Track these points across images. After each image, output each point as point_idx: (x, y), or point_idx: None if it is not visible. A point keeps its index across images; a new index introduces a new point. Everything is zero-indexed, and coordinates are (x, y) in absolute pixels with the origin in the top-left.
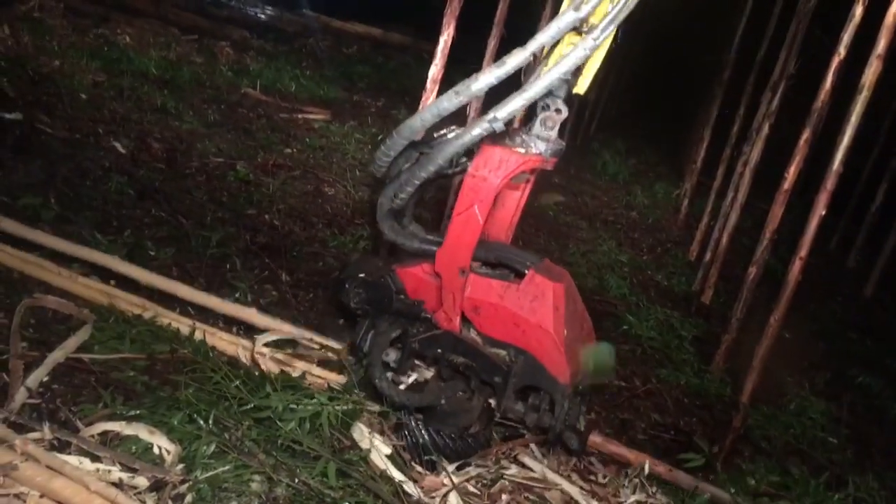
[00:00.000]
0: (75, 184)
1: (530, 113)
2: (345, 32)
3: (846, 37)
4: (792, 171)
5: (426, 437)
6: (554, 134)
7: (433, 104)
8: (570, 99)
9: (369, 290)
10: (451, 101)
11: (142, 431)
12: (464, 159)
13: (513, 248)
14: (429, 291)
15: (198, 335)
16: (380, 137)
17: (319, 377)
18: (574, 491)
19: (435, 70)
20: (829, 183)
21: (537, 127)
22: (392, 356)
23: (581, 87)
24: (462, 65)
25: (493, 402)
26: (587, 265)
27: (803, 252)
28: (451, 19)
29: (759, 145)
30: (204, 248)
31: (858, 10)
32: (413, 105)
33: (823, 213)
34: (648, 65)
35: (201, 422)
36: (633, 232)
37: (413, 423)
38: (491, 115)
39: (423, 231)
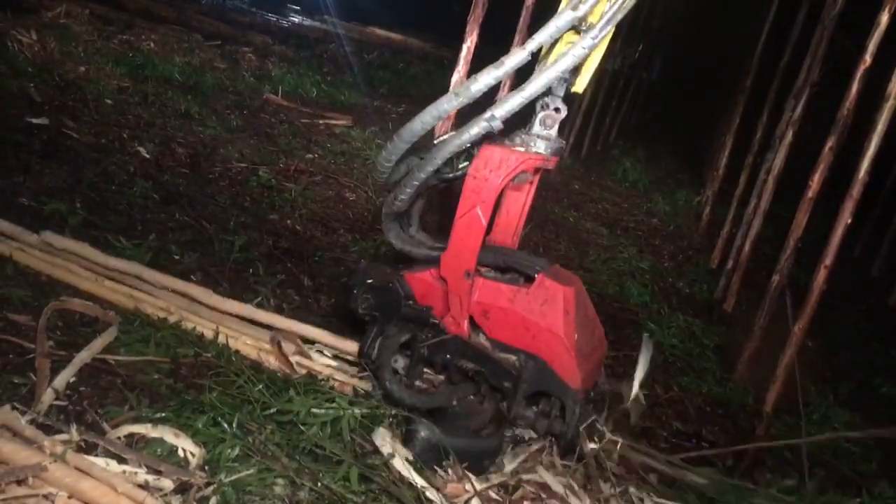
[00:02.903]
0: (101, 188)
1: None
2: (365, 38)
3: (872, 44)
4: (816, 179)
5: (439, 437)
6: (554, 133)
7: (433, 106)
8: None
9: (377, 295)
10: (450, 102)
11: (167, 434)
12: (464, 163)
13: (521, 253)
14: (437, 297)
15: (221, 339)
16: None
17: (341, 381)
18: None
19: (457, 77)
20: (855, 191)
21: (536, 126)
22: (400, 363)
23: (579, 86)
24: None
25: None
26: (608, 272)
27: (828, 260)
28: (474, 26)
29: (783, 153)
30: (227, 252)
31: (884, 18)
32: None
33: (849, 221)
34: (670, 72)
35: (225, 425)
36: (654, 239)
37: (425, 425)
38: (489, 114)
39: (429, 238)
